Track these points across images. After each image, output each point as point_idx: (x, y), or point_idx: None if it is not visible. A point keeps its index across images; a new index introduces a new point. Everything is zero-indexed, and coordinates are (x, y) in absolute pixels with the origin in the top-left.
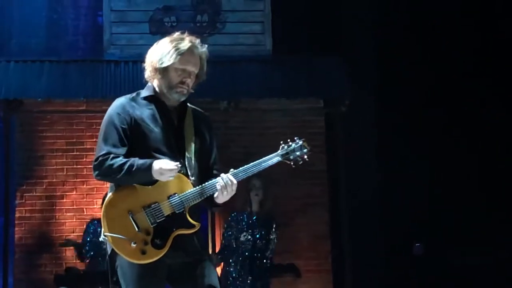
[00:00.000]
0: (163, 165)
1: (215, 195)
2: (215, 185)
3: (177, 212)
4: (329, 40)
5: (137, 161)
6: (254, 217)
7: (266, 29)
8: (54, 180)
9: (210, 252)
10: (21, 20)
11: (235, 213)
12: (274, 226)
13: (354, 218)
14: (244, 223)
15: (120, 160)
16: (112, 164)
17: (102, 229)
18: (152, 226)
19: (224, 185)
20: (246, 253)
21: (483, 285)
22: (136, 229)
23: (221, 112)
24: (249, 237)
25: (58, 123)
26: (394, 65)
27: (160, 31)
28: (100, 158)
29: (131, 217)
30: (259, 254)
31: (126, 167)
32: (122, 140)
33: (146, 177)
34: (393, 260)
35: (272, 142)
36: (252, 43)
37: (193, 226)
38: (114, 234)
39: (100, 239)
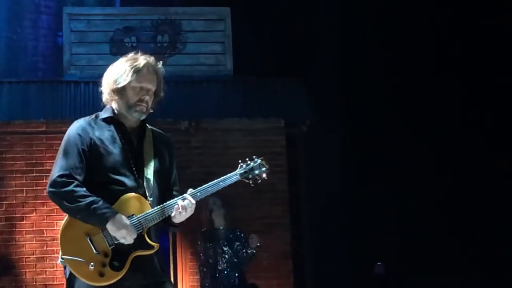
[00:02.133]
0: (124, 227)
1: (172, 215)
2: (174, 205)
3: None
4: (290, 60)
5: (102, 203)
6: (219, 234)
7: (227, 50)
8: (14, 201)
9: (172, 273)
10: None
11: (203, 230)
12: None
13: (315, 238)
14: (213, 238)
15: (84, 191)
16: (75, 191)
17: (60, 252)
18: (110, 248)
19: (183, 205)
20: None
21: None
22: (94, 251)
23: (182, 132)
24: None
25: (18, 144)
26: (356, 84)
27: (121, 52)
28: (63, 179)
29: (89, 239)
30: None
31: (87, 201)
32: (82, 163)
33: (98, 222)
34: (355, 279)
35: (233, 162)
36: (213, 63)
37: (151, 247)
38: (72, 256)
39: (58, 262)
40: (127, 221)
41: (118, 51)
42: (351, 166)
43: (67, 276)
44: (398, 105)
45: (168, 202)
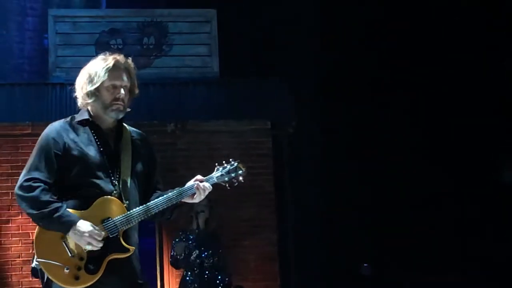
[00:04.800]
0: (86, 234)
1: (184, 200)
2: (160, 203)
3: (111, 236)
4: (275, 63)
5: (63, 211)
6: (201, 236)
7: (213, 51)
8: None
9: (158, 275)
10: None
11: (181, 232)
12: (219, 245)
13: (301, 240)
14: (191, 242)
15: (49, 197)
16: (39, 197)
17: (35, 255)
18: (85, 251)
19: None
20: (196, 271)
21: None
22: (69, 254)
23: (168, 134)
24: (198, 255)
25: (3, 147)
26: (339, 87)
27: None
28: (30, 183)
29: (64, 242)
30: (209, 273)
31: (50, 208)
32: (52, 167)
33: (60, 230)
34: (341, 280)
35: (218, 163)
36: (199, 65)
37: (127, 250)
38: (47, 259)
39: (33, 265)
40: (90, 228)
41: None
42: (336, 167)
43: (45, 280)
44: (383, 104)
45: (155, 200)
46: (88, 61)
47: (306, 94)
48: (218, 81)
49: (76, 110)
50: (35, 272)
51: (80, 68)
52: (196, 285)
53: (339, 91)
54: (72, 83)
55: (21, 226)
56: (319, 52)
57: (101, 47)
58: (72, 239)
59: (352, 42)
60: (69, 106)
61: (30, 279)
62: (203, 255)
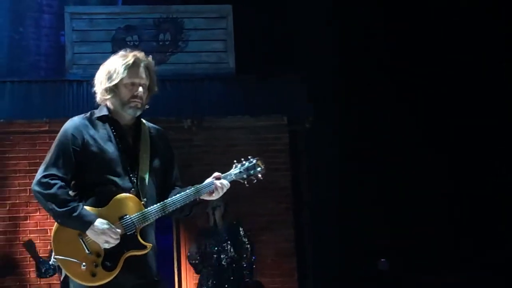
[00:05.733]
0: (103, 232)
1: (202, 197)
2: (177, 200)
3: (128, 233)
4: (292, 58)
5: (81, 210)
6: (218, 231)
7: (229, 47)
8: (17, 201)
9: (176, 271)
10: None
11: (200, 230)
12: (241, 231)
13: (318, 235)
14: (209, 238)
15: (66, 194)
16: (56, 195)
17: (53, 252)
18: (102, 248)
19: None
20: (214, 267)
21: None
22: (87, 251)
23: (184, 130)
24: (215, 250)
25: (21, 144)
26: (356, 82)
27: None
28: (47, 180)
29: (81, 239)
30: (233, 265)
31: (68, 207)
32: (70, 163)
33: (79, 228)
34: (358, 276)
35: (237, 160)
36: (215, 61)
37: (144, 247)
38: (65, 256)
39: (51, 262)
40: (107, 226)
41: (120, 50)
42: (353, 162)
43: (63, 277)
44: (400, 100)
45: (172, 198)
46: (104, 58)
47: (323, 89)
48: (234, 77)
49: (94, 106)
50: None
51: (97, 65)
52: (213, 281)
53: (356, 86)
54: (88, 80)
55: (39, 222)
56: (336, 47)
57: (117, 43)
58: (89, 237)
59: (369, 37)
60: (86, 103)
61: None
62: (220, 251)
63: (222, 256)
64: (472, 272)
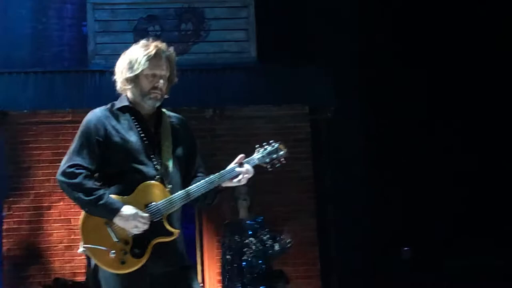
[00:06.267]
0: (132, 218)
1: (226, 184)
2: (202, 186)
3: (154, 220)
4: (314, 47)
5: (108, 198)
6: (243, 224)
7: (251, 37)
8: (41, 191)
9: (199, 261)
10: (6, 31)
11: (227, 222)
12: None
13: (341, 224)
14: (236, 232)
15: (92, 184)
16: (82, 184)
17: (81, 241)
18: (130, 235)
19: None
20: (237, 258)
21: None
22: (115, 239)
23: (206, 120)
24: (240, 241)
25: (44, 134)
26: (378, 70)
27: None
28: (72, 170)
29: (109, 227)
30: (250, 260)
31: (94, 196)
32: (94, 153)
33: (106, 216)
34: (381, 264)
35: (259, 145)
36: (237, 50)
37: (171, 233)
38: (93, 245)
39: (79, 251)
40: (134, 211)
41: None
42: (375, 151)
43: (93, 266)
44: (422, 88)
45: (196, 184)
46: (126, 48)
47: (345, 78)
48: (256, 66)
49: (116, 96)
50: None
51: (119, 55)
52: (235, 271)
53: (378, 75)
54: (111, 70)
55: (63, 212)
56: (358, 36)
57: (139, 33)
58: (117, 224)
59: (391, 25)
60: (108, 93)
61: (73, 264)
62: (244, 244)
63: (245, 249)
64: (495, 256)
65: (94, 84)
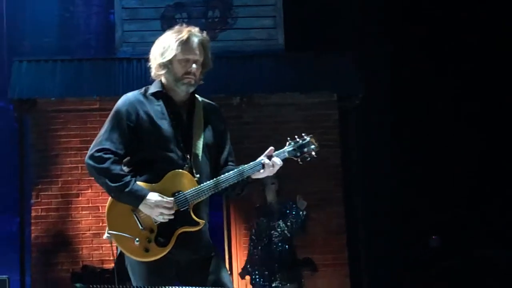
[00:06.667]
0: (157, 205)
1: (254, 175)
2: (231, 177)
3: (181, 209)
4: (342, 34)
5: (134, 185)
6: (272, 208)
7: (278, 24)
8: (69, 178)
9: (226, 249)
10: (33, 20)
11: (257, 206)
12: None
13: (369, 212)
14: (264, 216)
15: (119, 169)
16: (110, 170)
17: (107, 227)
18: (155, 224)
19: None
20: (264, 243)
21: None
22: (140, 227)
23: (234, 107)
24: (272, 227)
25: (72, 121)
26: (408, 58)
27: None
28: (101, 154)
29: (135, 215)
30: (276, 246)
31: (121, 182)
32: (125, 138)
33: (132, 203)
34: (409, 252)
35: (286, 137)
36: (264, 37)
37: (197, 223)
38: (118, 232)
39: (104, 237)
40: (159, 198)
41: (169, 28)
42: (403, 139)
43: (118, 252)
44: (453, 75)
45: (225, 174)
46: (154, 35)
47: (373, 65)
48: (284, 54)
49: (143, 84)
50: None
51: (146, 42)
52: (262, 257)
53: (407, 62)
54: (138, 58)
55: (91, 199)
56: (387, 24)
57: (166, 21)
58: (143, 212)
59: (421, 13)
60: (136, 81)
61: (101, 251)
62: (272, 228)
63: (273, 233)
64: None
65: (121, 72)
